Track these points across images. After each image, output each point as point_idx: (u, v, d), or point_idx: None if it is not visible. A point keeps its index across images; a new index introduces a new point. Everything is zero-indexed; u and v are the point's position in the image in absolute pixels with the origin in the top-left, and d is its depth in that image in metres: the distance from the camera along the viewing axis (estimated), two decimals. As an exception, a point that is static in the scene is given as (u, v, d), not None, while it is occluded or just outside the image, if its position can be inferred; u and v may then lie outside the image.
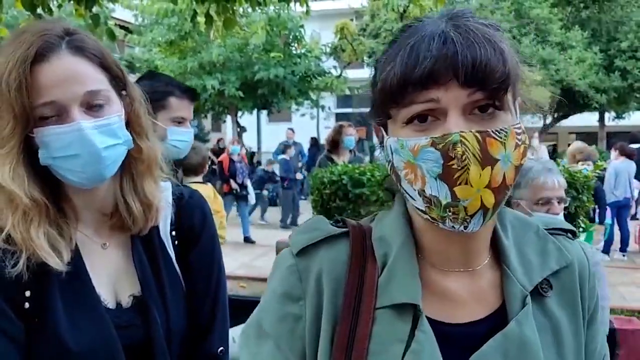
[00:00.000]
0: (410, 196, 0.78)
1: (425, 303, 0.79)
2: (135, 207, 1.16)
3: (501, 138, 0.73)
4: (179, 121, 2.17)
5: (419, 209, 0.78)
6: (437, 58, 0.71)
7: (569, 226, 0.93)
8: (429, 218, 0.77)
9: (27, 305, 1.04)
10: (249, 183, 10.38)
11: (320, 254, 0.83)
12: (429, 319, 0.78)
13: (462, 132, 0.71)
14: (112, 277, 1.16)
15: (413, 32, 0.76)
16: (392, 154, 0.78)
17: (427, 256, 0.83)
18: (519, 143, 0.75)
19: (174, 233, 1.25)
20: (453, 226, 0.75)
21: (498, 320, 0.81)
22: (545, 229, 0.89)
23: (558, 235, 0.90)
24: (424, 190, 0.74)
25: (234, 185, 10.01)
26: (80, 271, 1.10)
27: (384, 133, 0.82)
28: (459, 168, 0.71)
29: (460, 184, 0.71)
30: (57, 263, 1.04)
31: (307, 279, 0.82)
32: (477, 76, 0.71)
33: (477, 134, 0.71)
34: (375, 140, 0.92)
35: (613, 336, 2.88)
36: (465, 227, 0.74)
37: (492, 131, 0.72)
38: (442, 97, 0.72)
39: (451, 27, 0.73)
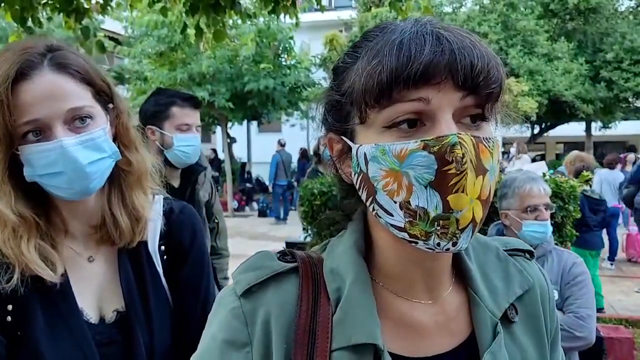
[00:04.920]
0: (386, 211, 0.69)
1: (387, 336, 0.72)
2: (123, 220, 1.15)
3: (490, 147, 0.67)
4: (184, 128, 2.27)
5: (394, 226, 0.69)
6: (434, 55, 0.64)
7: (526, 246, 0.88)
8: (406, 236, 0.68)
9: (9, 318, 1.04)
10: None
11: (268, 294, 0.74)
12: (391, 354, 0.71)
13: (460, 133, 0.64)
14: (97, 292, 1.14)
15: (394, 30, 0.68)
16: (365, 163, 0.69)
17: (389, 284, 0.76)
18: (499, 158, 0.70)
19: (162, 248, 1.22)
20: (438, 243, 0.66)
21: (467, 351, 0.76)
22: (504, 250, 0.85)
23: (516, 256, 0.86)
24: (408, 202, 0.66)
25: None
26: (63, 285, 1.09)
27: (349, 142, 0.73)
28: (458, 172, 0.63)
29: (456, 192, 0.63)
30: (51, 275, 1.05)
31: (253, 323, 0.72)
32: (475, 79, 0.64)
33: (473, 138, 0.65)
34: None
35: (600, 344, 2.90)
36: (454, 244, 0.66)
37: (484, 139, 0.67)
38: (434, 98, 0.64)
39: (439, 27, 0.67)
